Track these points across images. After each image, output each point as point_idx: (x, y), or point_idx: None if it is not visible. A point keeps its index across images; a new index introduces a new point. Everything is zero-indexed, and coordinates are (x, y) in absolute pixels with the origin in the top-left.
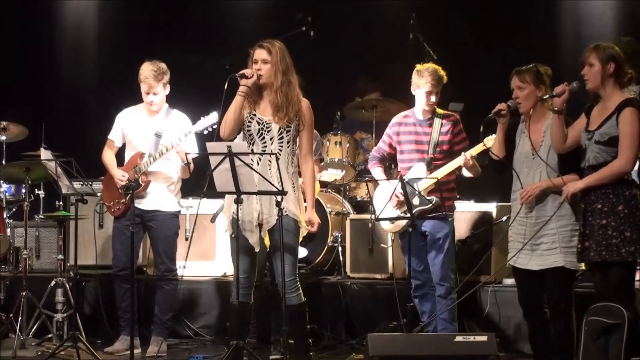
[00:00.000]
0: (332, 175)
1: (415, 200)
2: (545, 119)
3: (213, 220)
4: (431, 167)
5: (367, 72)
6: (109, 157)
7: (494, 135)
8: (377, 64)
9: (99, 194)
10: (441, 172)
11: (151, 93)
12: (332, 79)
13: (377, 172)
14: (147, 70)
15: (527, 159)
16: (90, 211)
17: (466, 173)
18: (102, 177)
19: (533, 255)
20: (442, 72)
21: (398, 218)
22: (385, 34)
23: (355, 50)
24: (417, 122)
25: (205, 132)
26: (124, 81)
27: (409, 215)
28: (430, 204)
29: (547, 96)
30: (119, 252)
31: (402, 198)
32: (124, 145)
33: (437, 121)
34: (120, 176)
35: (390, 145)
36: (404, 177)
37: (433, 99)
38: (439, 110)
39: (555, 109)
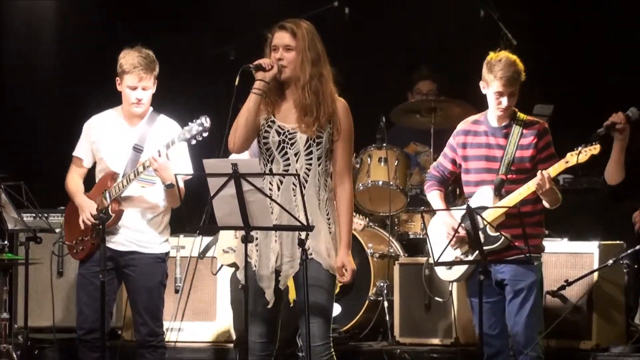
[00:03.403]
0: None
1: (480, 236)
2: None
3: (202, 256)
4: (501, 192)
5: (422, 61)
6: (73, 181)
7: (587, 149)
8: (436, 50)
9: (57, 230)
10: (511, 200)
11: (140, 88)
12: (375, 72)
13: (432, 196)
14: (133, 57)
15: None
16: (46, 253)
17: (543, 202)
18: (63, 207)
19: None
20: (520, 65)
21: (462, 262)
22: (448, 10)
23: (406, 33)
24: (489, 130)
25: (193, 141)
26: (92, 83)
27: (475, 258)
28: (497, 243)
29: None
30: (86, 309)
31: (462, 233)
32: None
33: (515, 129)
34: (88, 214)
35: (454, 162)
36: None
37: (505, 102)
38: (521, 115)
39: None
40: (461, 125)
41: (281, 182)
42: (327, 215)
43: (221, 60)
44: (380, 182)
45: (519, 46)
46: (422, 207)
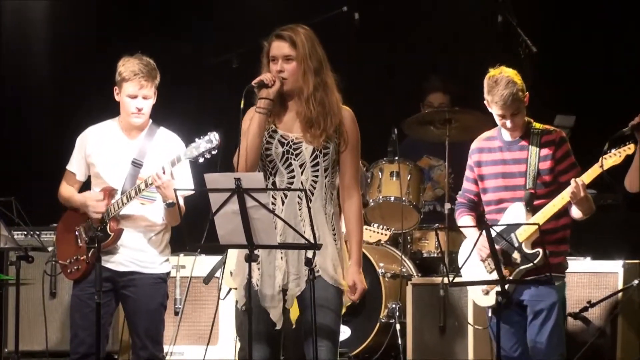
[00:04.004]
0: (373, 233)
1: (516, 256)
2: None
3: (207, 281)
4: (532, 206)
5: (435, 70)
6: (66, 188)
7: (621, 150)
8: (451, 58)
9: (50, 249)
10: (545, 213)
11: (140, 96)
12: (385, 80)
13: (463, 222)
14: (134, 64)
15: None
16: (38, 273)
17: (575, 212)
18: (56, 224)
19: None
20: (519, 83)
21: (482, 283)
22: (463, 15)
23: (418, 39)
24: (504, 145)
25: (201, 159)
26: (87, 89)
27: (497, 278)
28: (536, 260)
29: None
30: (81, 332)
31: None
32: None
33: (533, 140)
34: (95, 202)
35: (476, 182)
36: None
37: (508, 123)
38: (536, 125)
39: None
40: (475, 144)
41: (285, 195)
42: (333, 230)
43: (223, 68)
44: (392, 198)
45: (540, 52)
46: (437, 224)
